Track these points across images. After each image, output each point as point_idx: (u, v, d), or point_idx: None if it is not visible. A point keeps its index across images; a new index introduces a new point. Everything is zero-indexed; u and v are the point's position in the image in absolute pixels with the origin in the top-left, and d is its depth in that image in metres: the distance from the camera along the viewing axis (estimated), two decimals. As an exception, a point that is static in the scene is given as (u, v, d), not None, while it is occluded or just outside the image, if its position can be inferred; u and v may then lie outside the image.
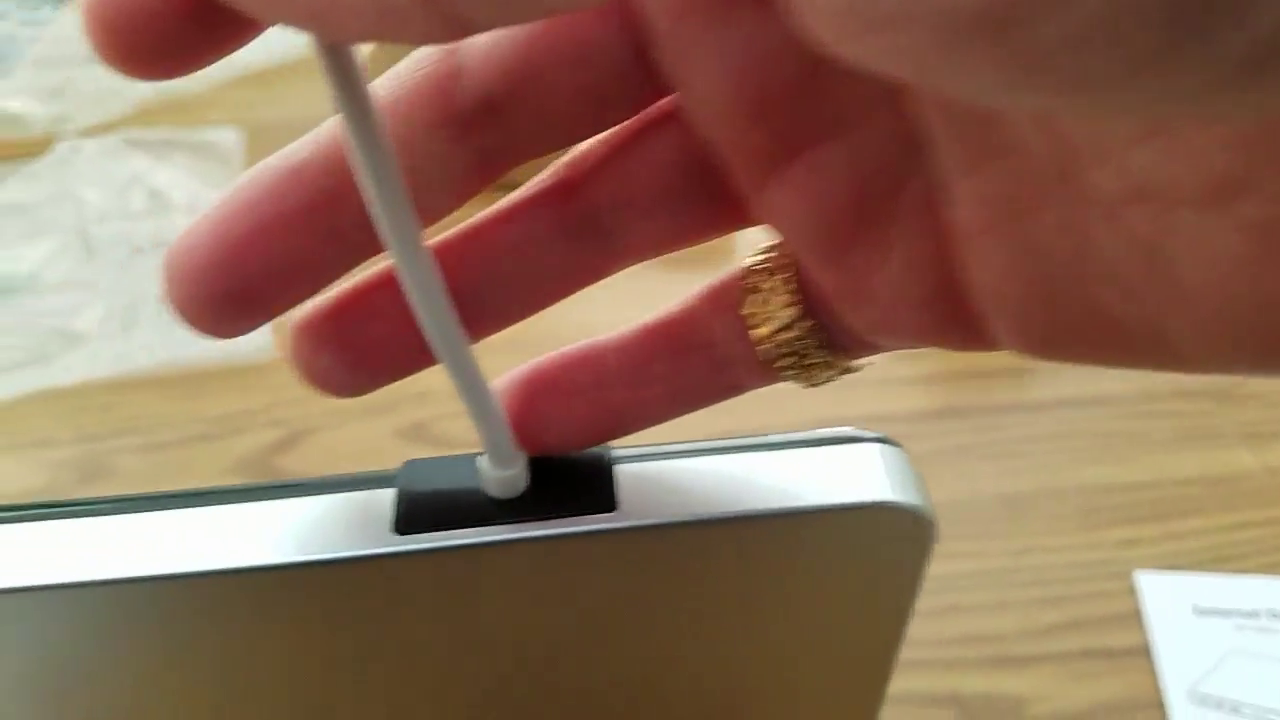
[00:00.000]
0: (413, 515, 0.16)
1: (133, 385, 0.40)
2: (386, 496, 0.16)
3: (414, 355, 0.14)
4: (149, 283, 0.46)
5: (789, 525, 0.16)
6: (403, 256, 0.12)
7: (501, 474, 0.16)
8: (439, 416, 0.38)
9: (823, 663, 0.19)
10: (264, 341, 0.42)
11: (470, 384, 0.15)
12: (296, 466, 0.37)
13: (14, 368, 0.42)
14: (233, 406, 0.39)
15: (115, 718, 0.18)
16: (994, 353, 0.12)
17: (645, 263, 0.15)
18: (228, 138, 0.55)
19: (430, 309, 0.13)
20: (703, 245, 0.14)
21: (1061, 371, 0.39)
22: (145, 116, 0.57)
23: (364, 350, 0.14)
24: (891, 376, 0.40)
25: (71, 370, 0.41)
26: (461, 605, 0.17)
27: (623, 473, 0.16)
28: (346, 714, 0.18)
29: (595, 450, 0.17)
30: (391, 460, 0.17)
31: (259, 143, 0.55)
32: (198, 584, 0.15)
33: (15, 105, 0.58)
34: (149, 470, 0.37)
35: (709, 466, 0.16)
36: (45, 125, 0.57)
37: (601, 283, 0.15)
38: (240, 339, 0.15)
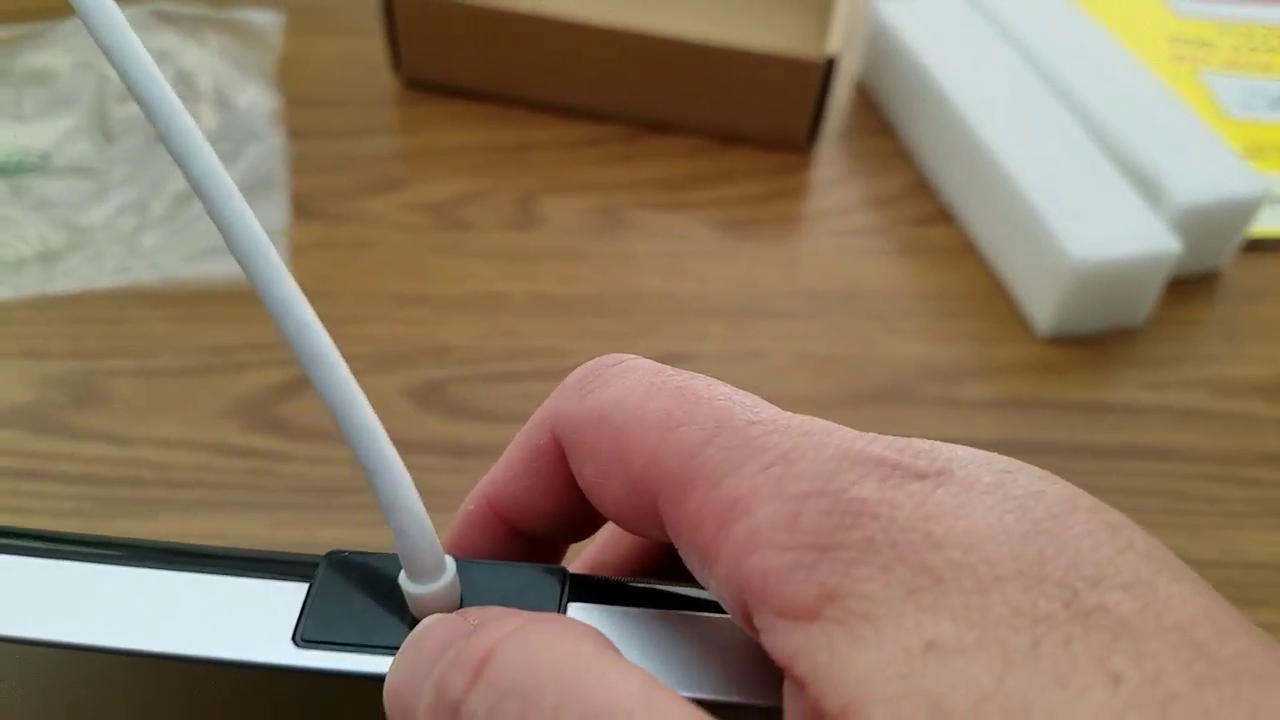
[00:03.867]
0: (318, 625, 0.14)
1: (134, 299, 0.38)
2: (299, 593, 0.15)
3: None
4: (164, 176, 0.43)
5: None
6: (316, 364, 0.13)
7: (419, 590, 0.14)
8: (457, 379, 0.36)
9: None
10: (279, 266, 0.39)
11: (388, 480, 0.13)
12: (298, 416, 0.34)
13: (18, 264, 0.39)
14: (237, 338, 0.37)
15: None
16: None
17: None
18: (265, 20, 0.51)
19: (347, 402, 0.13)
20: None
21: (1145, 415, 0.36)
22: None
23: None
24: (959, 397, 0.36)
25: (73, 275, 0.38)
26: None
27: (573, 610, 0.15)
28: None
29: (549, 570, 0.15)
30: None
31: (298, 26, 0.51)
32: (75, 655, 0.15)
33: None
34: (142, 400, 0.35)
35: (661, 626, 0.14)
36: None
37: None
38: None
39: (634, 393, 0.14)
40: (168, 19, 0.50)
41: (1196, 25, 0.54)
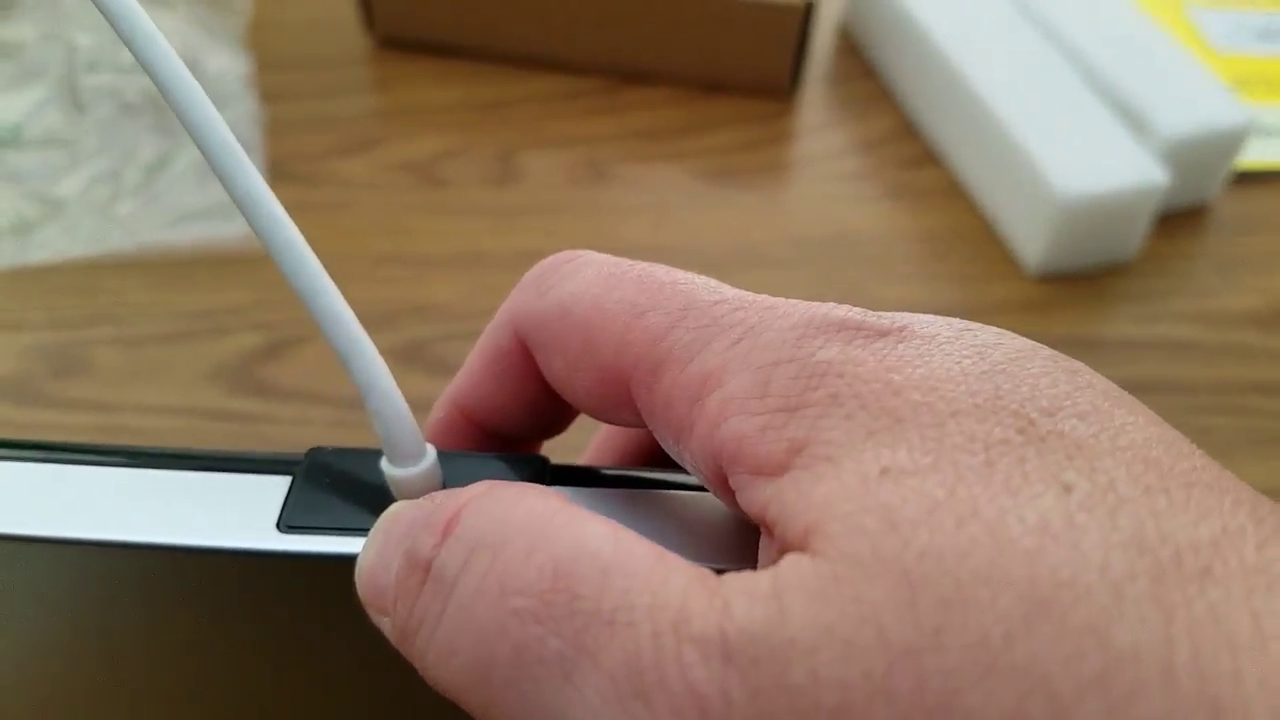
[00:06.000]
0: (302, 512, 0.15)
1: (112, 268, 0.37)
2: (282, 486, 0.15)
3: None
4: (137, 144, 0.42)
5: None
6: (278, 240, 0.14)
7: (400, 473, 0.14)
8: (440, 337, 0.35)
9: None
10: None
11: (362, 363, 0.14)
12: (281, 379, 0.34)
13: (-11, 235, 0.38)
14: (217, 302, 0.36)
15: None
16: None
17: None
18: (235, -16, 0.50)
19: (313, 288, 0.13)
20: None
21: (1137, 349, 0.36)
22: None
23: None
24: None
25: (48, 246, 0.38)
26: (344, 612, 0.15)
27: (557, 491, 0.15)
28: (219, 699, 0.17)
29: (530, 458, 0.15)
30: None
31: (270, -9, 0.50)
32: (60, 549, 0.15)
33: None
34: (125, 367, 0.34)
35: (634, 501, 0.15)
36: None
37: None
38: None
39: (594, 284, 0.14)
40: (134, -15, 0.49)
41: (1182, -42, 0.53)
